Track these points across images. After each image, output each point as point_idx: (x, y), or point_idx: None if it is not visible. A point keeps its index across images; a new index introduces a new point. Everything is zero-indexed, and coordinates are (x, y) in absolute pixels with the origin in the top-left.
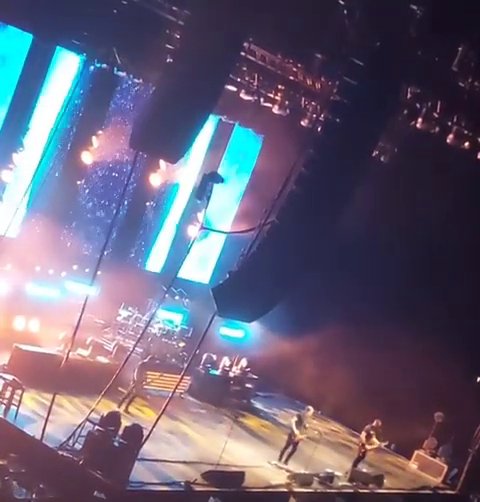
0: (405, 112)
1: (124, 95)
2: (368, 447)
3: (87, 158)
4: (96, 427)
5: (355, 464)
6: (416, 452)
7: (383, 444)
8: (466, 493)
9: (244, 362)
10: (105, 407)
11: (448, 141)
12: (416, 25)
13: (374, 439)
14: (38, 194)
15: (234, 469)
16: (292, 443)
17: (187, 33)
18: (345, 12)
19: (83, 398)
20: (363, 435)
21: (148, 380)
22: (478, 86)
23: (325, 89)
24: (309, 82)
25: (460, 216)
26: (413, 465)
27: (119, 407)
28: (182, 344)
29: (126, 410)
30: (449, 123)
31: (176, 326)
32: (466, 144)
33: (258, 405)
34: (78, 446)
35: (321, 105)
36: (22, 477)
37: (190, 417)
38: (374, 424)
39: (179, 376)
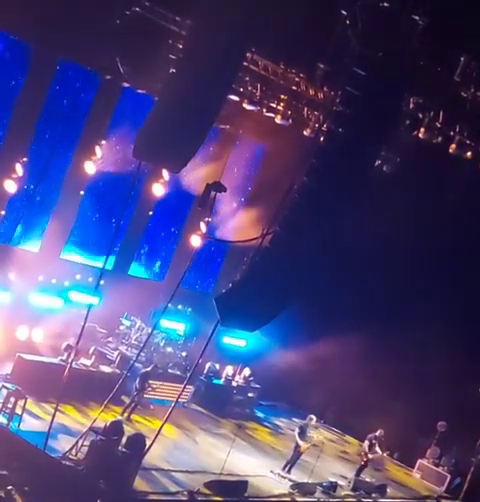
0: (407, 122)
1: (127, 105)
2: (370, 456)
3: (90, 168)
4: (99, 436)
5: (358, 473)
6: (419, 461)
7: (385, 454)
8: None
9: (247, 371)
10: (108, 416)
11: (450, 151)
12: (418, 35)
13: (377, 448)
14: (41, 204)
15: (237, 478)
16: (297, 453)
17: (190, 43)
18: (347, 22)
19: (86, 407)
20: (366, 444)
21: (149, 389)
22: None
23: (327, 99)
24: (311, 92)
25: (463, 224)
26: (416, 474)
27: (122, 415)
28: (184, 353)
29: (128, 418)
30: (451, 133)
31: (179, 335)
32: (468, 154)
33: (261, 414)
34: (81, 455)
35: (323, 115)
36: (25, 487)
37: (193, 426)
38: (377, 434)
39: (182, 385)
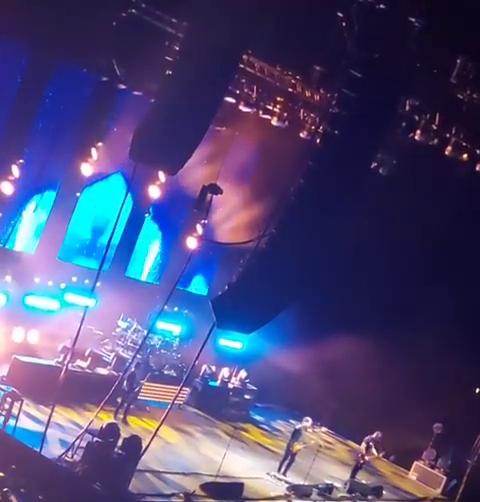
0: (404, 124)
1: (124, 107)
2: (367, 458)
3: (86, 170)
4: (95, 438)
5: (353, 475)
6: (415, 463)
7: (381, 455)
8: None
9: (243, 373)
10: (104, 418)
11: (447, 153)
12: (415, 37)
13: (373, 450)
14: (37, 206)
15: (233, 480)
16: (290, 454)
17: (186, 45)
18: (343, 24)
19: (82, 409)
20: (363, 446)
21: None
22: (476, 98)
23: (324, 101)
24: (308, 94)
25: (462, 225)
26: (412, 476)
27: (115, 417)
28: (179, 355)
29: (124, 420)
30: (447, 135)
31: (175, 337)
32: (464, 156)
33: (257, 416)
34: (77, 457)
35: (320, 117)
36: (21, 489)
37: (189, 428)
38: (374, 436)
39: (178, 387)
